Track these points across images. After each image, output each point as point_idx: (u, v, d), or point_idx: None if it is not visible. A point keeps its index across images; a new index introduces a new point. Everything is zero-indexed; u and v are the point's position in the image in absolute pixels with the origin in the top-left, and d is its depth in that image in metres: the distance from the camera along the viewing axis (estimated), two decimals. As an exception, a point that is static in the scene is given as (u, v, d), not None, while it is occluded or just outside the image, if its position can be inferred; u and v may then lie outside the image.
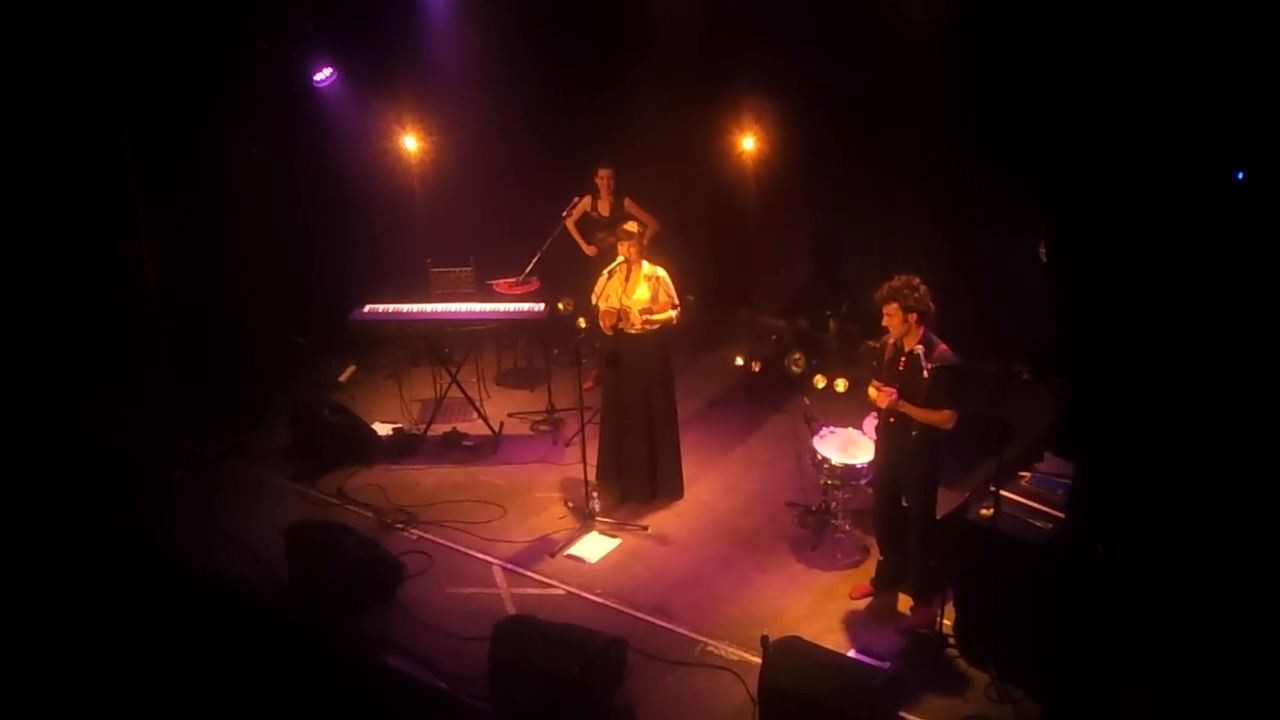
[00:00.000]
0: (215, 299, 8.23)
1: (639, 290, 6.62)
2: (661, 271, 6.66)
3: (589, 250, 8.37)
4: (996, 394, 5.19)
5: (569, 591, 6.19)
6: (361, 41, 8.87)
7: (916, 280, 5.40)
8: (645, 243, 6.59)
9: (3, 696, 5.40)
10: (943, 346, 5.42)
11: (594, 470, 7.05)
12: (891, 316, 5.41)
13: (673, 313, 6.65)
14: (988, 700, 5.17)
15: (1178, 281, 4.84)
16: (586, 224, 8.39)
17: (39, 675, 5.52)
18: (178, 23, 7.58)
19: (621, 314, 6.59)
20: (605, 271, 6.70)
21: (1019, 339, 6.86)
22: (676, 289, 6.75)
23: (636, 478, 7.01)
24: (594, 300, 6.74)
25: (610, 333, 6.70)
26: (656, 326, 6.65)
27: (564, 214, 8.11)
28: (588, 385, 8.21)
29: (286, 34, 8.51)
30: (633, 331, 6.65)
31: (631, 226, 6.60)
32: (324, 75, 8.75)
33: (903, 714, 5.01)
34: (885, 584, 6.01)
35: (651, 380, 6.83)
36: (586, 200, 8.28)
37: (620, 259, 6.63)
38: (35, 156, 7.22)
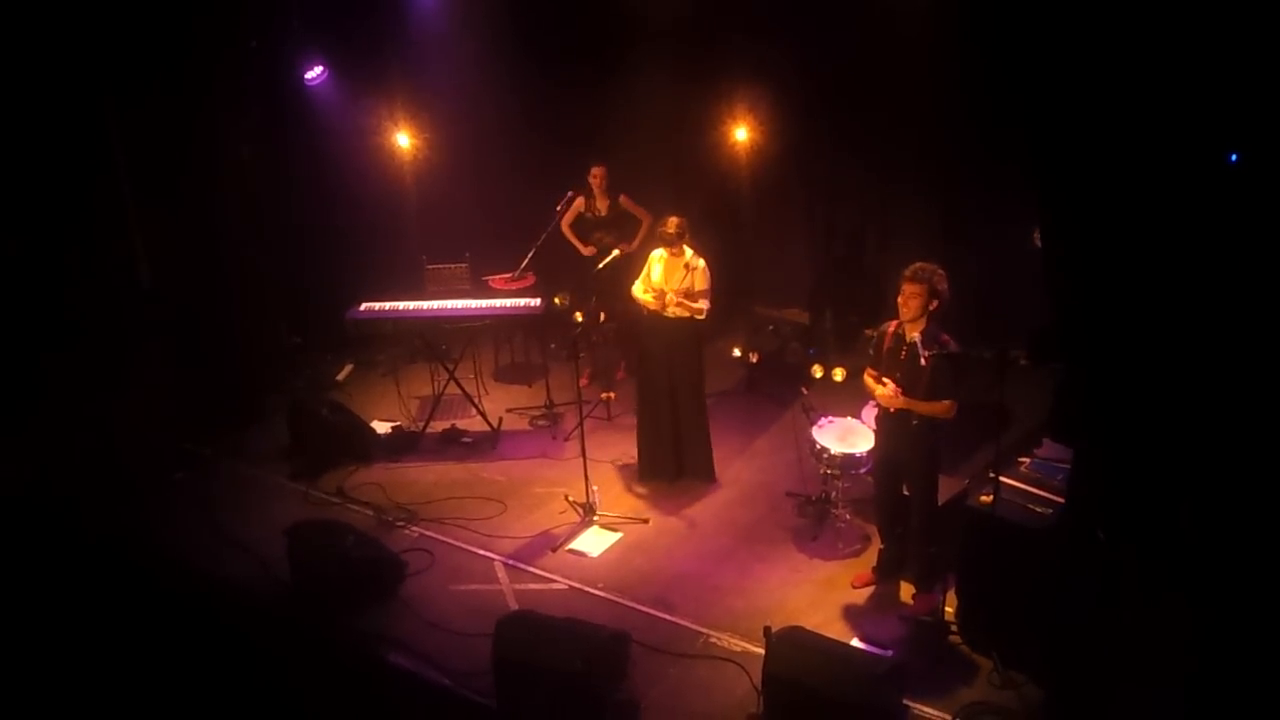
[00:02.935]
0: (211, 299, 8.23)
1: (676, 277, 6.75)
2: (701, 263, 6.76)
3: (586, 250, 8.35)
4: (994, 380, 5.19)
5: (571, 586, 6.20)
6: (352, 38, 8.86)
7: (942, 270, 5.38)
8: (686, 236, 6.72)
9: (4, 698, 5.40)
10: (946, 337, 5.40)
11: (635, 459, 7.31)
12: (915, 298, 5.34)
13: (702, 304, 6.74)
14: (991, 686, 5.19)
15: (1173, 264, 4.84)
16: (582, 224, 8.37)
17: (40, 678, 5.52)
18: (167, 21, 7.56)
19: (660, 297, 6.75)
20: (650, 258, 6.89)
21: (1014, 324, 6.87)
22: (712, 282, 6.86)
23: (665, 457, 7.17)
24: (637, 288, 6.90)
25: (647, 312, 6.86)
26: (687, 314, 6.75)
27: (558, 208, 8.10)
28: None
29: (276, 32, 8.49)
30: (669, 315, 6.78)
31: (670, 227, 6.67)
32: (315, 73, 8.73)
33: (907, 701, 5.02)
34: (887, 572, 6.02)
35: (680, 367, 6.94)
36: (579, 201, 8.25)
37: (660, 251, 6.82)
38: (26, 157, 7.20)
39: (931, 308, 5.37)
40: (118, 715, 5.43)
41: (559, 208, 8.09)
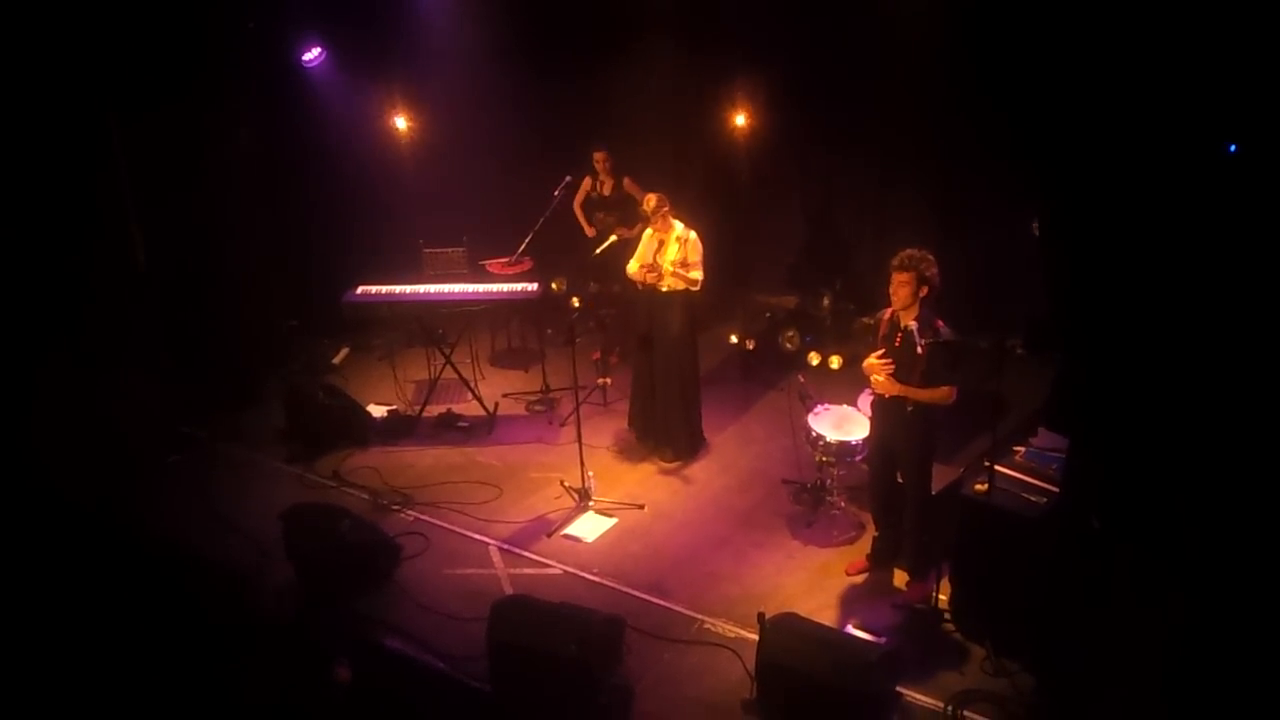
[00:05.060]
0: (207, 282, 8.21)
1: (671, 251, 6.86)
2: (693, 235, 6.87)
3: (589, 231, 8.41)
4: (991, 369, 5.19)
5: (566, 571, 6.21)
6: (350, 21, 8.80)
7: (931, 255, 5.37)
8: (665, 209, 6.82)
9: (2, 683, 5.40)
10: (940, 323, 5.40)
11: (627, 423, 7.56)
12: (904, 285, 5.32)
13: (696, 274, 6.86)
14: (983, 673, 5.20)
15: (1171, 255, 4.84)
16: (588, 203, 8.50)
17: (37, 664, 5.52)
18: (163, 4, 7.51)
19: (654, 269, 6.86)
20: (643, 237, 7.00)
21: (1012, 314, 6.87)
22: (704, 253, 6.93)
23: (656, 434, 7.33)
24: (631, 266, 7.01)
25: (642, 287, 6.99)
26: (683, 285, 6.85)
27: (555, 193, 8.09)
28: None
29: (273, 13, 8.43)
30: (664, 289, 6.89)
31: (647, 204, 6.81)
32: (313, 55, 8.68)
33: (899, 688, 5.03)
34: (881, 559, 6.03)
35: (670, 340, 7.04)
36: (587, 180, 8.35)
37: (649, 231, 6.92)
38: (22, 140, 7.15)
39: (922, 294, 5.35)
40: (116, 698, 5.44)
41: (556, 192, 8.08)
